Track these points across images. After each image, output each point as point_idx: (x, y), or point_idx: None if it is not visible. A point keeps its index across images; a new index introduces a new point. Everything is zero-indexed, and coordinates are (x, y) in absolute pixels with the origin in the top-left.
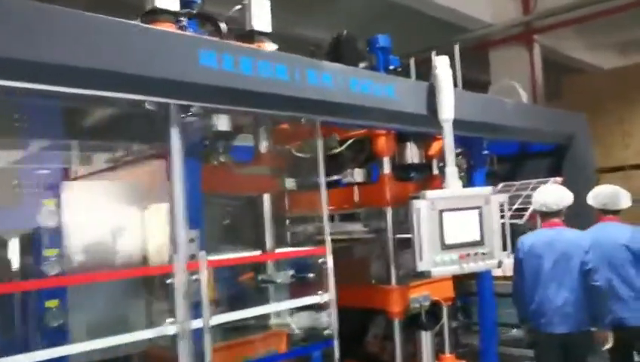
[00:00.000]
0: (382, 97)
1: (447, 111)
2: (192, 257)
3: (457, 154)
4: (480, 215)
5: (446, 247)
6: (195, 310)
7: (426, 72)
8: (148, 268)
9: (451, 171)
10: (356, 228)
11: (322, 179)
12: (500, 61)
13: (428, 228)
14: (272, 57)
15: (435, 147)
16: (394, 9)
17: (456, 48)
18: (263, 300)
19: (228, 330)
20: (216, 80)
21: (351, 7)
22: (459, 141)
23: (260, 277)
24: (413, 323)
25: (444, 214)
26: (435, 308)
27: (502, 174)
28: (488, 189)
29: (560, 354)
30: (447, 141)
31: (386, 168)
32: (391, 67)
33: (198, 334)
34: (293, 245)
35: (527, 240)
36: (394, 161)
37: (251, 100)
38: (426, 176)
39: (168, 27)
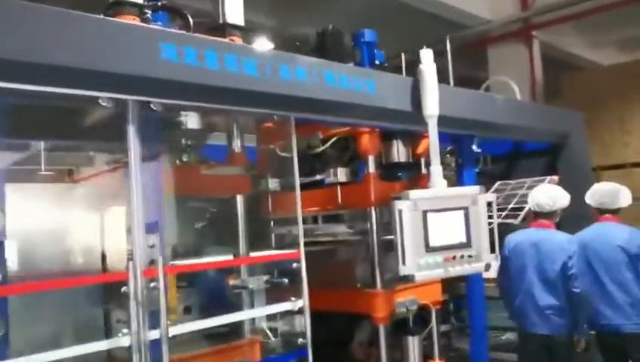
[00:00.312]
0: (361, 92)
1: (431, 107)
2: (152, 263)
3: (446, 153)
4: (466, 216)
5: (430, 250)
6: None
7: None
8: (101, 276)
9: (436, 170)
10: (340, 229)
11: (296, 179)
12: (499, 58)
13: (411, 230)
14: (240, 51)
15: (423, 145)
16: (392, 6)
17: (448, 44)
18: (236, 307)
19: (197, 339)
20: (178, 74)
21: (350, 6)
22: (448, 139)
23: (231, 283)
24: (400, 328)
25: (429, 215)
26: (423, 313)
27: (497, 173)
28: (475, 189)
29: (544, 355)
30: (432, 138)
31: (371, 167)
32: (376, 62)
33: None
34: (278, 248)
35: (513, 238)
36: (380, 160)
37: (217, 96)
38: (414, 175)
39: (132, 20)
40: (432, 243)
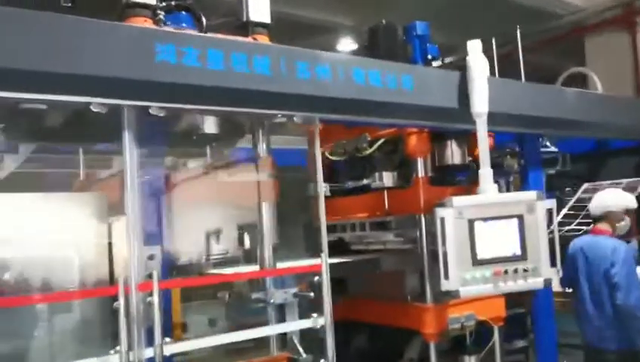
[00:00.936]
0: (396, 90)
1: (479, 103)
2: (150, 277)
3: (507, 154)
4: (521, 225)
5: (478, 263)
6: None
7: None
8: (86, 291)
9: (486, 173)
10: (388, 237)
11: (320, 185)
12: (597, 49)
13: (455, 241)
14: (249, 49)
15: None
16: None
17: (518, 33)
18: (261, 321)
19: (221, 354)
20: (176, 77)
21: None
22: (512, 138)
23: (253, 296)
24: (456, 346)
25: (476, 224)
26: (482, 329)
27: (581, 174)
28: (532, 194)
29: None
30: (481, 138)
31: (420, 171)
32: (429, 56)
33: None
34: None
35: (575, 243)
36: (433, 162)
37: (224, 98)
38: (471, 179)
39: (145, 23)
40: (480, 255)
